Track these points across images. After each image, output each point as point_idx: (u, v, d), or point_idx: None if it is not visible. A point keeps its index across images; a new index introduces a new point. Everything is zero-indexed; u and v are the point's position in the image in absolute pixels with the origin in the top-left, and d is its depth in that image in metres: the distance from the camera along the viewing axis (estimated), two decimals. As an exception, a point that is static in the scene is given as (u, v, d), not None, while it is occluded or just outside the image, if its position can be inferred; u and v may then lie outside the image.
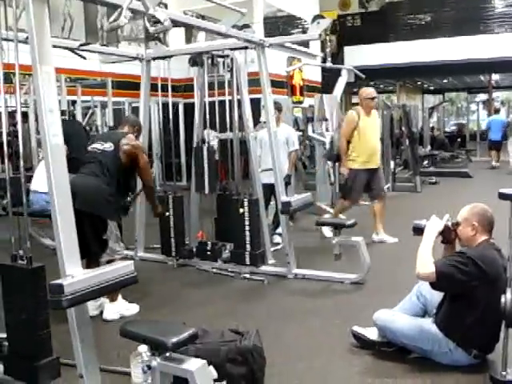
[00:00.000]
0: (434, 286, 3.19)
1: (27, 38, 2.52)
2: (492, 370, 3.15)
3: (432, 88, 26.73)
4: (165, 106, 6.29)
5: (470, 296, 3.14)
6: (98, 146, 4.47)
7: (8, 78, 2.78)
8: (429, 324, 3.33)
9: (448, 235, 3.36)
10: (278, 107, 6.71)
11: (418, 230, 3.39)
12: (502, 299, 2.88)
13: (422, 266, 3.14)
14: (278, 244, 6.28)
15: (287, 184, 6.80)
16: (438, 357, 3.27)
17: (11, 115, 6.17)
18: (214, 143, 6.36)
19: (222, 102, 5.69)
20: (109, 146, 4.40)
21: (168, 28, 2.87)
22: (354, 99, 24.42)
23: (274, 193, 5.59)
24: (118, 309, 4.31)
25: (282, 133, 6.66)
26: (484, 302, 3.12)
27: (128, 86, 10.91)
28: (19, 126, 2.91)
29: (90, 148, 4.50)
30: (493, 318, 3.08)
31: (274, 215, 6.62)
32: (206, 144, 5.62)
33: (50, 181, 2.52)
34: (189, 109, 11.09)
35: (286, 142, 6.70)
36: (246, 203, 5.22)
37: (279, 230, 6.23)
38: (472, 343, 3.20)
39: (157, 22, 2.85)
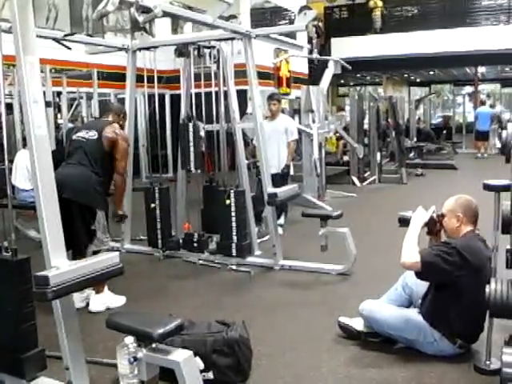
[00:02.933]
0: (419, 275, 3.22)
1: (11, 27, 2.49)
2: (476, 359, 3.19)
3: (418, 80, 26.76)
4: (151, 97, 6.26)
5: (455, 286, 3.17)
6: (82, 134, 4.43)
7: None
8: (414, 314, 3.36)
9: (433, 227, 3.38)
10: (278, 98, 6.76)
11: (404, 222, 3.41)
12: (487, 289, 2.90)
13: (407, 255, 3.17)
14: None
15: (287, 174, 6.82)
16: (424, 347, 3.30)
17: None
18: (201, 135, 6.32)
19: (208, 94, 5.67)
20: (93, 135, 4.37)
21: (158, 15, 2.86)
22: (341, 91, 24.48)
23: (274, 182, 5.50)
24: (105, 300, 4.30)
25: (282, 123, 6.69)
26: (469, 292, 3.14)
27: (114, 77, 10.84)
28: (3, 118, 2.87)
29: (74, 137, 4.45)
30: (477, 308, 3.11)
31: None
32: (192, 121, 5.49)
33: (35, 172, 2.50)
34: (175, 100, 11.04)
35: (285, 132, 6.71)
36: (232, 194, 5.22)
37: (281, 221, 6.27)
38: (457, 333, 3.22)
39: (145, 11, 2.84)
